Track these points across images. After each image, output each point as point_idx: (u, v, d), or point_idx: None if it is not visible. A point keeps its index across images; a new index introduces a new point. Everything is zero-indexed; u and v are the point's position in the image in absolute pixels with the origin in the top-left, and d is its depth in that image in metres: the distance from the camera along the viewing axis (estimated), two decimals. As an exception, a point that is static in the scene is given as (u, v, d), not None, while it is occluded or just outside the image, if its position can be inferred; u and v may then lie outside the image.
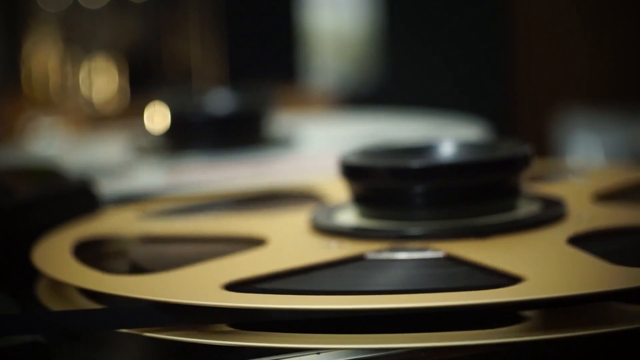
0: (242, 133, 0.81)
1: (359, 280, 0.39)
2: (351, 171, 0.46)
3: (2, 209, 0.49)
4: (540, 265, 0.39)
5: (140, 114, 0.86)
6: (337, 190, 0.52)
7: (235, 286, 0.39)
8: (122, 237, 0.50)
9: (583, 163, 0.72)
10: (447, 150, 0.49)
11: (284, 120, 0.88)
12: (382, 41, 2.10)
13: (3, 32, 1.66)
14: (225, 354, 0.36)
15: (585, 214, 0.46)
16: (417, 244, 0.42)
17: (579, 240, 0.42)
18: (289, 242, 0.45)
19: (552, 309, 0.36)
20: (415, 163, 0.45)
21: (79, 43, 1.59)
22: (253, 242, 0.45)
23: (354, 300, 0.36)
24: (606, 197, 0.51)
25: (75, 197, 0.54)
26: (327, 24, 2.07)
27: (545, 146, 2.00)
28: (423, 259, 0.41)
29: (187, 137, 0.81)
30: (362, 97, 1.98)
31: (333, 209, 0.49)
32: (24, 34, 1.60)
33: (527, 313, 0.36)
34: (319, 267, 0.41)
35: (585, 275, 0.37)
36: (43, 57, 1.59)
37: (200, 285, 0.39)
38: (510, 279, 0.37)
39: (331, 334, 0.36)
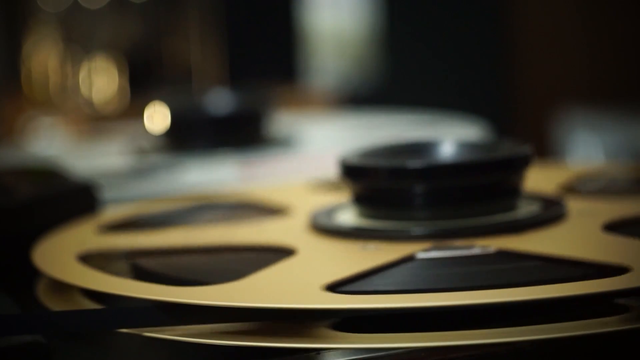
0: (242, 133, 0.81)
1: (431, 279, 0.39)
2: (351, 171, 0.46)
3: (2, 209, 0.49)
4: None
5: (141, 114, 0.86)
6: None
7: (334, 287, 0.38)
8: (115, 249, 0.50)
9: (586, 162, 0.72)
10: (447, 150, 0.49)
11: (284, 120, 0.88)
12: (382, 41, 2.10)
13: (3, 32, 1.66)
14: (224, 354, 0.36)
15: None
16: (459, 242, 0.42)
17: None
18: (318, 250, 0.45)
19: None
20: (415, 163, 0.45)
21: (79, 43, 1.59)
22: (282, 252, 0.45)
23: (444, 297, 0.36)
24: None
25: (76, 197, 0.54)
26: (327, 24, 2.07)
27: (545, 146, 2.00)
28: (478, 255, 0.41)
29: (187, 137, 0.81)
30: (362, 97, 1.98)
31: (330, 210, 0.49)
32: (24, 34, 1.60)
33: (628, 302, 0.36)
34: (375, 271, 0.40)
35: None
36: (43, 57, 1.59)
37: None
38: (609, 270, 0.38)
39: (331, 334, 0.36)
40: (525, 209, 0.46)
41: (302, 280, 0.39)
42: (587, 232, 0.44)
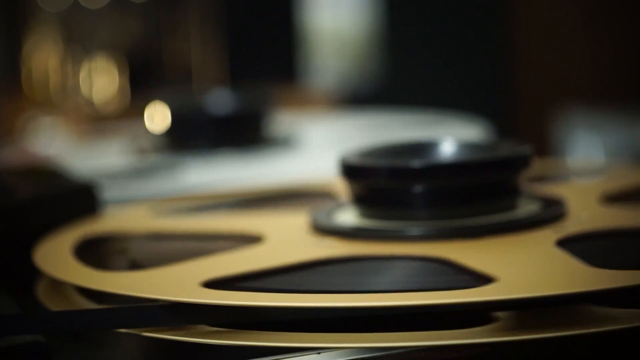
0: (242, 133, 0.81)
1: (342, 280, 0.40)
2: (351, 171, 0.46)
3: (3, 209, 0.49)
4: (515, 266, 0.39)
5: (141, 114, 0.86)
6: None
7: (215, 284, 0.39)
8: (122, 234, 0.50)
9: (589, 163, 0.72)
10: (447, 150, 0.49)
11: (284, 120, 0.88)
12: (382, 41, 2.10)
13: (3, 32, 1.66)
14: (223, 353, 0.36)
15: (585, 215, 0.46)
16: (408, 245, 0.42)
17: (567, 242, 0.42)
18: (286, 240, 0.45)
19: (521, 310, 0.36)
20: (415, 163, 0.45)
21: (79, 43, 1.59)
22: (249, 240, 0.46)
23: (330, 298, 0.36)
24: (615, 198, 0.51)
25: (76, 197, 0.54)
26: (327, 24, 2.07)
27: (545, 146, 2.00)
28: (405, 259, 0.41)
29: (188, 137, 0.81)
30: (362, 97, 1.99)
31: (334, 208, 0.49)
32: (24, 34, 1.60)
33: (499, 314, 0.36)
34: (305, 266, 0.41)
35: (561, 276, 0.37)
36: (43, 57, 1.59)
37: (181, 282, 0.39)
38: (482, 279, 0.38)
39: (330, 334, 0.36)
40: (525, 209, 0.46)
41: (192, 274, 0.40)
42: (536, 245, 0.43)
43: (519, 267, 0.39)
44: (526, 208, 0.46)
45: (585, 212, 0.47)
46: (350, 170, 0.47)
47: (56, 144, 0.96)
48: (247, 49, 1.88)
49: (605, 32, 2.08)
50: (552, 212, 0.46)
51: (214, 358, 0.37)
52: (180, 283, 0.39)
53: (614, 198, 0.51)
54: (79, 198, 0.54)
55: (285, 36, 1.98)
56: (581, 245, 0.42)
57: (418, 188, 0.45)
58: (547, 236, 0.43)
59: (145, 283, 0.39)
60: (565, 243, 0.41)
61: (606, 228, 0.44)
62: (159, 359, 0.38)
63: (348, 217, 0.48)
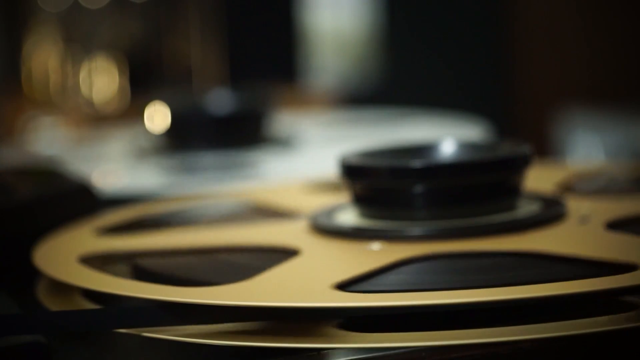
0: (242, 133, 0.81)
1: (434, 278, 0.39)
2: (352, 171, 0.46)
3: (2, 209, 0.49)
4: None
5: (141, 114, 0.86)
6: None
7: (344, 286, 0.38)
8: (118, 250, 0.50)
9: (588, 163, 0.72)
10: (447, 150, 0.49)
11: (284, 120, 0.88)
12: (382, 41, 2.10)
13: (3, 32, 1.66)
14: (221, 353, 0.36)
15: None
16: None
17: None
18: (321, 250, 0.45)
19: None
20: (415, 163, 0.45)
21: (79, 43, 1.59)
22: (285, 253, 0.45)
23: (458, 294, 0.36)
24: None
25: (76, 197, 0.54)
26: (327, 24, 2.07)
27: (545, 146, 2.00)
28: (481, 254, 0.41)
29: (188, 137, 0.81)
30: (362, 97, 1.98)
31: (331, 210, 0.49)
32: (24, 34, 1.60)
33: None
34: (382, 270, 0.40)
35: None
36: (43, 57, 1.59)
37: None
38: (615, 267, 0.38)
39: (336, 333, 0.36)
40: (526, 209, 0.46)
41: (310, 279, 0.39)
42: (590, 230, 0.44)
43: None
44: (526, 208, 0.46)
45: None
46: (351, 170, 0.46)
47: (56, 144, 0.96)
48: (247, 49, 1.88)
49: (605, 32, 2.08)
50: (553, 212, 0.46)
51: (216, 359, 0.37)
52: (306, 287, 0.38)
53: None
54: (79, 198, 0.54)
55: (285, 36, 1.98)
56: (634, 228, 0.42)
57: (418, 188, 0.45)
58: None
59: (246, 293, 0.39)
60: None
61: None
62: (159, 359, 0.38)
63: (348, 217, 0.48)
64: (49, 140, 1.04)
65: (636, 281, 0.35)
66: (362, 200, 0.47)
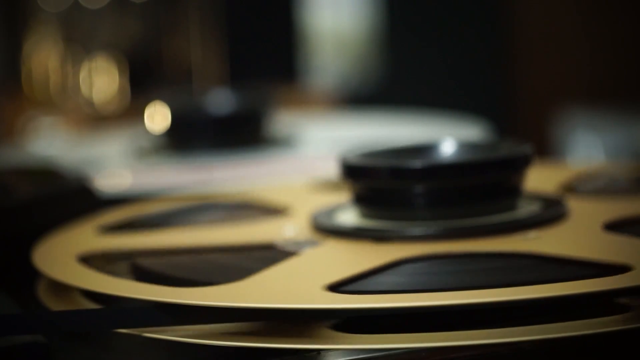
0: (243, 133, 0.81)
1: (431, 279, 0.39)
2: (352, 171, 0.46)
3: (2, 209, 0.49)
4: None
5: (141, 114, 0.86)
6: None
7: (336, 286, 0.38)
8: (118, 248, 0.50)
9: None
10: (447, 150, 0.49)
11: (284, 120, 0.88)
12: (382, 41, 2.10)
13: (3, 32, 1.66)
14: (220, 353, 0.36)
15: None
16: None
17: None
18: (319, 250, 0.45)
19: None
20: (416, 163, 0.45)
21: (79, 43, 1.59)
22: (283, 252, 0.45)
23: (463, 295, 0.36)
24: None
25: (75, 197, 0.54)
26: (327, 24, 2.07)
27: (545, 146, 2.00)
28: (478, 254, 0.41)
29: (188, 137, 0.81)
30: (362, 97, 1.98)
31: (331, 210, 0.49)
32: (24, 34, 1.60)
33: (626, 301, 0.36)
34: (377, 270, 0.40)
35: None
36: (43, 57, 1.59)
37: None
38: (610, 268, 0.38)
39: (331, 334, 0.36)
40: (526, 209, 0.46)
41: (304, 280, 0.39)
42: (588, 231, 0.44)
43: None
44: (526, 208, 0.46)
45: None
46: (351, 170, 0.46)
47: (56, 144, 0.96)
48: (247, 49, 1.88)
49: (605, 32, 2.08)
50: (552, 212, 0.46)
51: (214, 359, 0.37)
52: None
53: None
54: (78, 197, 0.54)
55: (285, 36, 1.98)
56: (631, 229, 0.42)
57: (418, 188, 0.45)
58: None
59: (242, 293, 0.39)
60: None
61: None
62: (159, 359, 0.38)
63: (349, 217, 0.48)
64: (49, 140, 1.04)
65: (630, 283, 0.35)
66: (363, 201, 0.47)
